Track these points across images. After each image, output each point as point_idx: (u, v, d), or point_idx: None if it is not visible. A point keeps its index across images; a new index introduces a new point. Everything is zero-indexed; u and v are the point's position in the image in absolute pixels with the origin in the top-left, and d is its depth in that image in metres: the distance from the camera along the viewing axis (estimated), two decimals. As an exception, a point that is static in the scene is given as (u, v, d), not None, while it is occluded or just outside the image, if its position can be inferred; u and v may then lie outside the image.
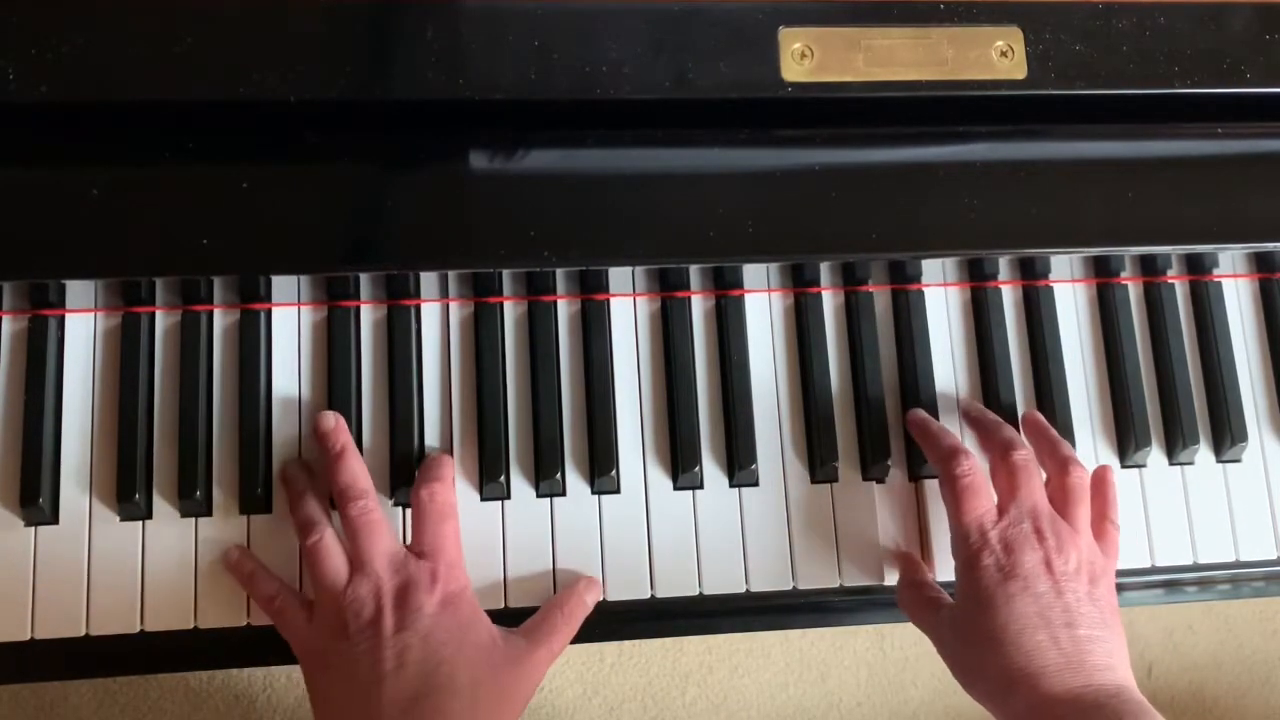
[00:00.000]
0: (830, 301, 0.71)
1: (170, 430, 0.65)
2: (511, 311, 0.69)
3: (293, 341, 0.67)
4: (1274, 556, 0.71)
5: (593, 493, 0.67)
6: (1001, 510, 0.62)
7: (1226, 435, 0.72)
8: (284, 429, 0.66)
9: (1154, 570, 0.71)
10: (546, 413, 0.67)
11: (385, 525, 0.62)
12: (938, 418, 0.70)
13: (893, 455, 0.69)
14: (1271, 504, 0.72)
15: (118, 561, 0.63)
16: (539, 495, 0.67)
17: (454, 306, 0.69)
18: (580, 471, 0.67)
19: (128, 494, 0.63)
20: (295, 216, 0.62)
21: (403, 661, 0.57)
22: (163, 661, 0.65)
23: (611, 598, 0.66)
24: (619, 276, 0.68)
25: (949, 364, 0.71)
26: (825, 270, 0.70)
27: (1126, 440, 0.71)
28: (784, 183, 0.65)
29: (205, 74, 0.60)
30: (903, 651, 1.15)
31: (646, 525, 0.67)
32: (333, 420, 0.64)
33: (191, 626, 0.63)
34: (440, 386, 0.67)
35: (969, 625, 0.60)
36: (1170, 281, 0.74)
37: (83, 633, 0.63)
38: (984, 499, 0.63)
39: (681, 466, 0.67)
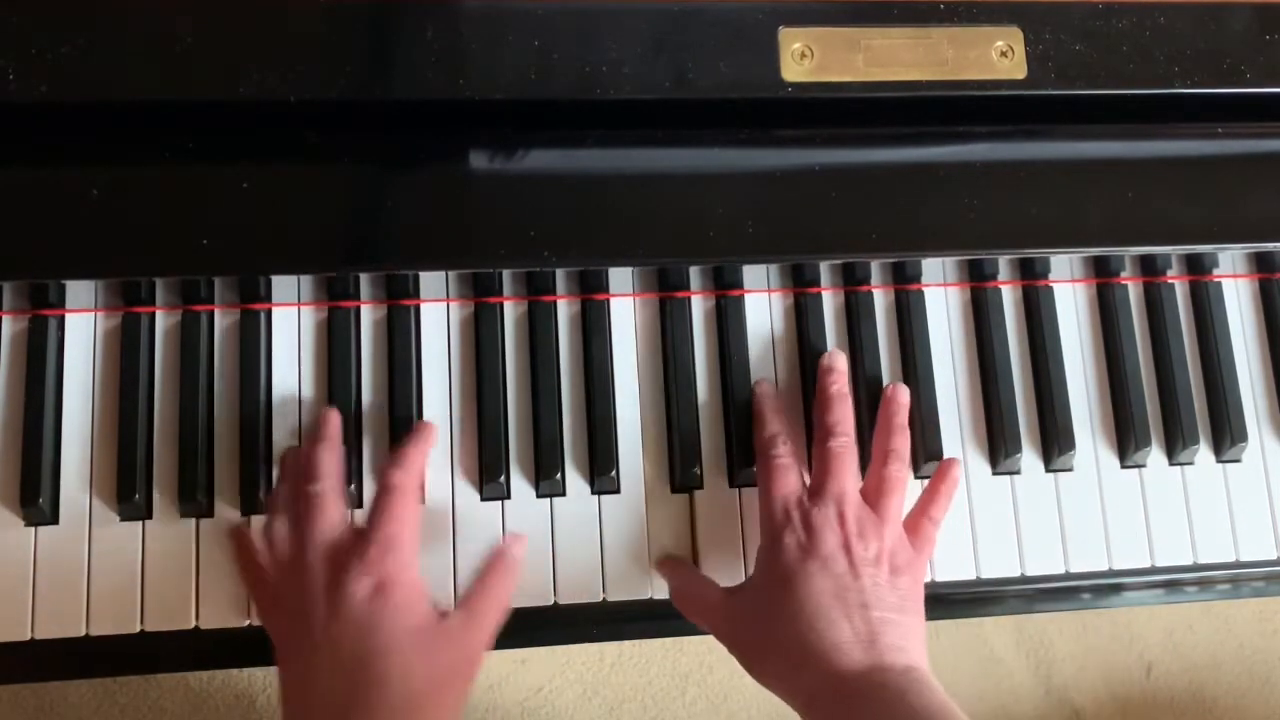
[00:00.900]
0: (830, 301, 0.71)
1: (170, 430, 0.65)
2: (511, 311, 0.69)
3: (293, 341, 0.67)
4: (1274, 556, 0.71)
5: (593, 493, 0.67)
6: (811, 492, 0.64)
7: (1226, 435, 0.72)
8: (284, 429, 0.66)
9: (1154, 570, 0.71)
10: (546, 413, 0.67)
11: (333, 509, 0.60)
12: (937, 419, 0.70)
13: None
14: (1271, 504, 0.72)
15: (118, 561, 0.63)
16: (539, 495, 0.67)
17: (454, 306, 0.69)
18: (580, 471, 0.67)
19: (128, 494, 0.63)
20: (295, 216, 0.62)
21: (334, 658, 0.56)
22: (163, 661, 0.65)
23: (612, 598, 0.66)
24: (619, 276, 0.68)
25: (949, 364, 0.71)
26: (825, 270, 0.70)
27: (1126, 440, 0.71)
28: (784, 183, 0.65)
29: (205, 74, 0.60)
30: (903, 651, 1.15)
31: (646, 525, 0.67)
32: (334, 417, 0.64)
33: (192, 626, 0.63)
34: (440, 386, 0.67)
35: (764, 602, 0.61)
36: (1170, 281, 0.74)
37: (83, 633, 0.63)
38: (793, 480, 0.64)
39: (681, 466, 0.67)
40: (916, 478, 0.69)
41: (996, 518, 0.69)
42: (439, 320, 0.68)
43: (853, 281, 0.71)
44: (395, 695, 0.56)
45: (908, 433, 0.67)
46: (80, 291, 0.64)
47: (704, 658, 1.14)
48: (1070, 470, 0.71)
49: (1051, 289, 0.73)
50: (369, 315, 0.68)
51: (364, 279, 0.66)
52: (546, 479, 0.66)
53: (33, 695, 1.07)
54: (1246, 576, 0.72)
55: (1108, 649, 1.21)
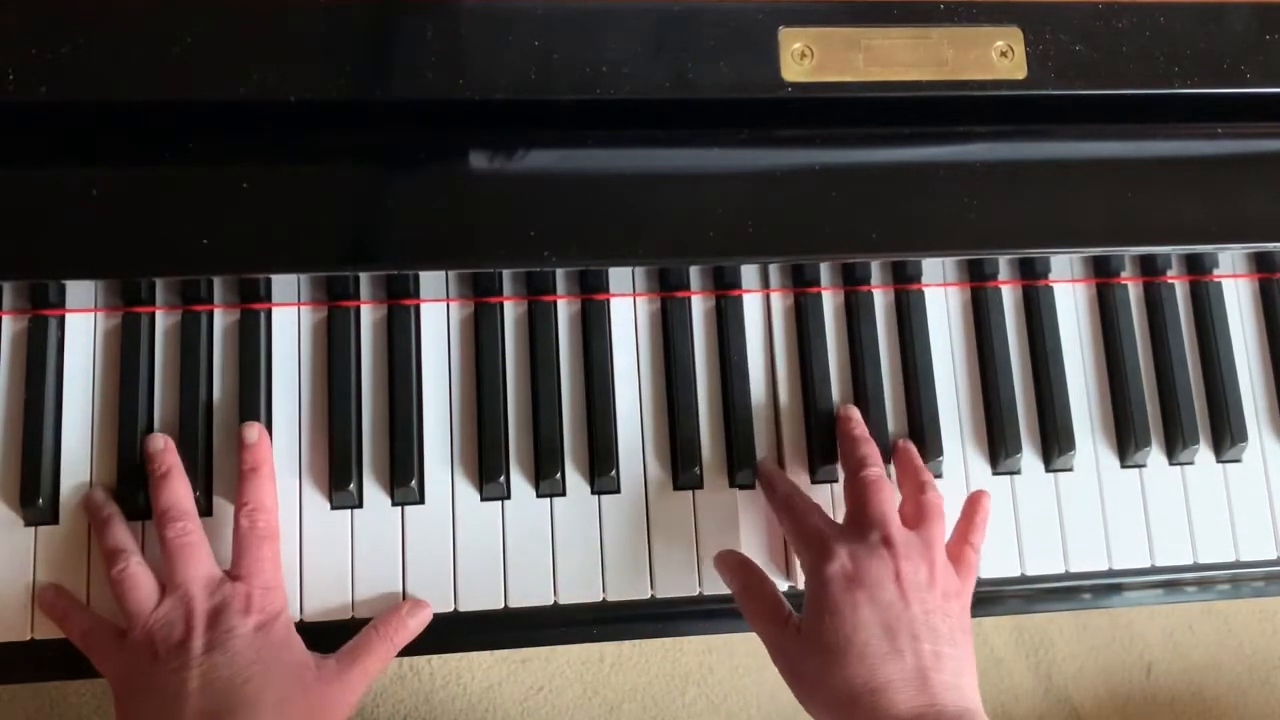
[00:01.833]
0: (830, 301, 0.71)
1: (169, 430, 0.65)
2: (511, 311, 0.69)
3: (293, 341, 0.67)
4: (1274, 556, 0.71)
5: (593, 493, 0.67)
6: (850, 522, 0.62)
7: (1226, 435, 0.72)
8: (283, 429, 0.66)
9: (1154, 570, 0.71)
10: (546, 413, 0.67)
11: (203, 548, 0.61)
12: (937, 419, 0.70)
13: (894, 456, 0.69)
14: (1271, 504, 0.72)
15: (118, 561, 0.63)
16: (539, 495, 0.67)
17: (454, 306, 0.69)
18: (580, 471, 0.67)
19: (127, 494, 0.63)
20: (295, 216, 0.62)
21: (208, 680, 0.56)
22: (163, 661, 0.65)
23: (611, 598, 0.66)
24: (619, 276, 0.68)
25: (949, 364, 0.71)
26: (825, 270, 0.70)
27: (1126, 440, 0.71)
28: (784, 183, 0.65)
29: (205, 74, 0.60)
30: (903, 651, 1.15)
31: (646, 525, 0.67)
32: (161, 442, 0.63)
33: (191, 626, 0.63)
34: (440, 386, 0.67)
35: (813, 635, 0.59)
36: (1170, 281, 0.74)
37: (83, 633, 0.63)
38: (821, 515, 0.63)
39: (681, 466, 0.67)
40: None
41: (997, 518, 0.69)
42: (439, 320, 0.68)
43: (853, 281, 0.71)
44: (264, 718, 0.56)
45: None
46: (80, 291, 0.64)
47: (704, 658, 1.14)
48: (1070, 470, 0.71)
49: (1051, 289, 0.73)
50: (369, 315, 0.68)
51: (364, 279, 0.66)
52: (546, 479, 0.66)
53: (33, 695, 1.07)
54: (1246, 576, 0.72)
55: (1108, 649, 1.21)
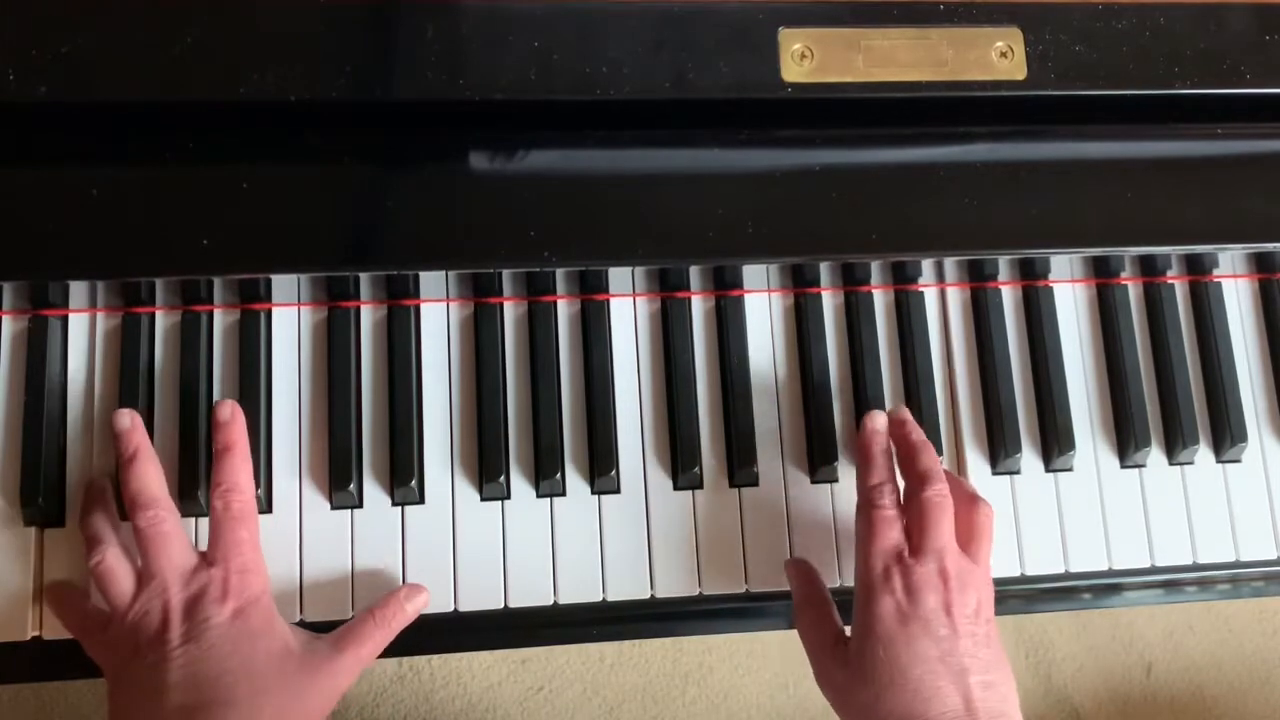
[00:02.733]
0: (830, 301, 0.71)
1: (169, 430, 0.65)
2: (511, 311, 0.69)
3: (293, 341, 0.67)
4: (1274, 556, 0.71)
5: (593, 493, 0.67)
6: (911, 550, 0.61)
7: (1226, 435, 0.72)
8: (284, 429, 0.66)
9: (1154, 570, 0.71)
10: (546, 413, 0.67)
11: (177, 536, 0.60)
12: (937, 419, 0.70)
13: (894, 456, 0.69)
14: (1271, 504, 0.72)
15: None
16: (539, 495, 0.67)
17: (454, 306, 0.69)
18: (580, 471, 0.67)
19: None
20: (295, 216, 0.62)
21: (186, 674, 0.56)
22: (163, 661, 0.65)
23: (611, 598, 0.66)
24: (619, 276, 0.68)
25: (949, 364, 0.71)
26: (825, 270, 0.70)
27: (1126, 440, 0.71)
28: (784, 183, 0.65)
29: (205, 74, 0.60)
30: (903, 651, 1.15)
31: (646, 525, 0.67)
32: (128, 420, 0.61)
33: (191, 626, 0.63)
34: (440, 387, 0.67)
35: (866, 665, 0.59)
36: (1170, 281, 0.74)
37: (83, 633, 0.63)
38: (896, 534, 0.62)
39: (681, 466, 0.67)
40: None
41: (996, 518, 0.69)
42: (439, 320, 0.68)
43: (853, 281, 0.71)
44: (242, 713, 0.56)
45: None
46: (80, 291, 0.64)
47: (704, 658, 1.14)
48: (1070, 470, 0.71)
49: (1051, 289, 0.73)
50: (369, 315, 0.68)
51: (364, 279, 0.66)
52: (546, 479, 0.66)
53: (33, 695, 1.07)
54: (1246, 576, 0.72)
55: (1108, 649, 1.21)
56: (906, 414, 0.67)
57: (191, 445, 0.64)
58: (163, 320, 0.66)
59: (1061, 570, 0.69)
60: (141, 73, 0.60)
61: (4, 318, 0.65)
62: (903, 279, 0.71)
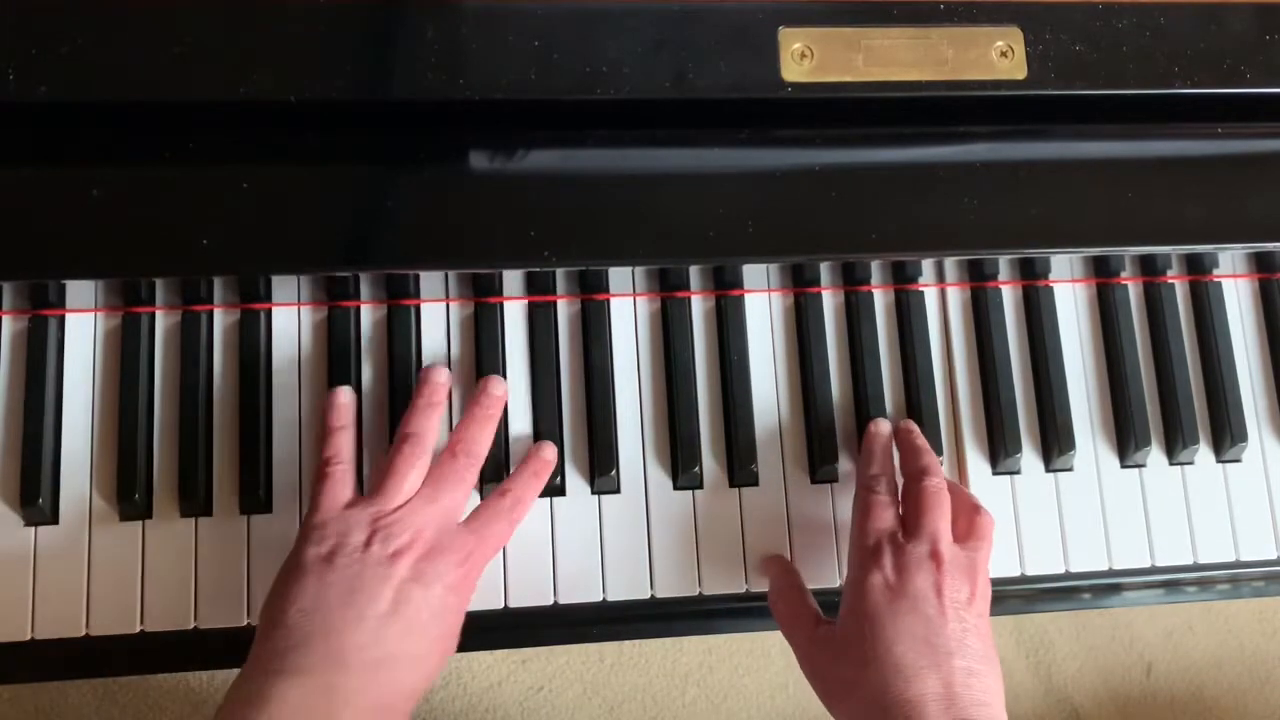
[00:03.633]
0: (830, 301, 0.71)
1: (170, 430, 0.65)
2: (511, 311, 0.69)
3: (293, 341, 0.67)
4: (1274, 556, 0.71)
5: (593, 493, 0.67)
6: (905, 532, 0.62)
7: (1226, 435, 0.72)
8: (284, 429, 0.66)
9: (1154, 570, 0.71)
10: (547, 413, 0.67)
11: (472, 485, 0.62)
12: (937, 419, 0.70)
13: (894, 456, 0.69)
14: (1271, 504, 0.72)
15: (118, 561, 0.63)
16: (539, 495, 0.67)
17: (454, 306, 0.69)
18: (580, 471, 0.67)
19: (128, 494, 0.63)
20: (295, 216, 0.62)
21: (397, 610, 0.56)
22: (163, 661, 0.65)
23: (612, 598, 0.66)
24: (619, 276, 0.68)
25: (949, 364, 0.71)
26: (825, 270, 0.70)
27: (1126, 440, 0.71)
28: (784, 183, 0.65)
29: (205, 74, 0.60)
30: (903, 651, 1.15)
31: (646, 525, 0.67)
32: (442, 381, 0.65)
33: (191, 626, 0.63)
34: (440, 386, 0.67)
35: (849, 641, 0.59)
36: (1170, 281, 0.74)
37: (83, 633, 0.63)
38: (890, 517, 0.62)
39: (681, 466, 0.67)
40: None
41: (997, 518, 0.69)
42: (439, 320, 0.68)
43: (853, 281, 0.71)
44: (416, 679, 0.56)
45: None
46: (80, 291, 0.64)
47: (704, 658, 1.14)
48: (1070, 470, 0.71)
49: (1051, 289, 0.73)
50: (369, 315, 0.68)
51: (364, 279, 0.66)
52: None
53: (33, 695, 1.07)
54: (1246, 576, 0.72)
55: (1108, 649, 1.21)
56: (915, 426, 0.68)
57: (192, 445, 0.64)
58: (163, 320, 0.66)
59: (1061, 570, 0.70)
60: (141, 73, 0.60)
61: (4, 318, 0.65)
62: (903, 279, 0.71)
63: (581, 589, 0.66)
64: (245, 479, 0.65)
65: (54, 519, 0.64)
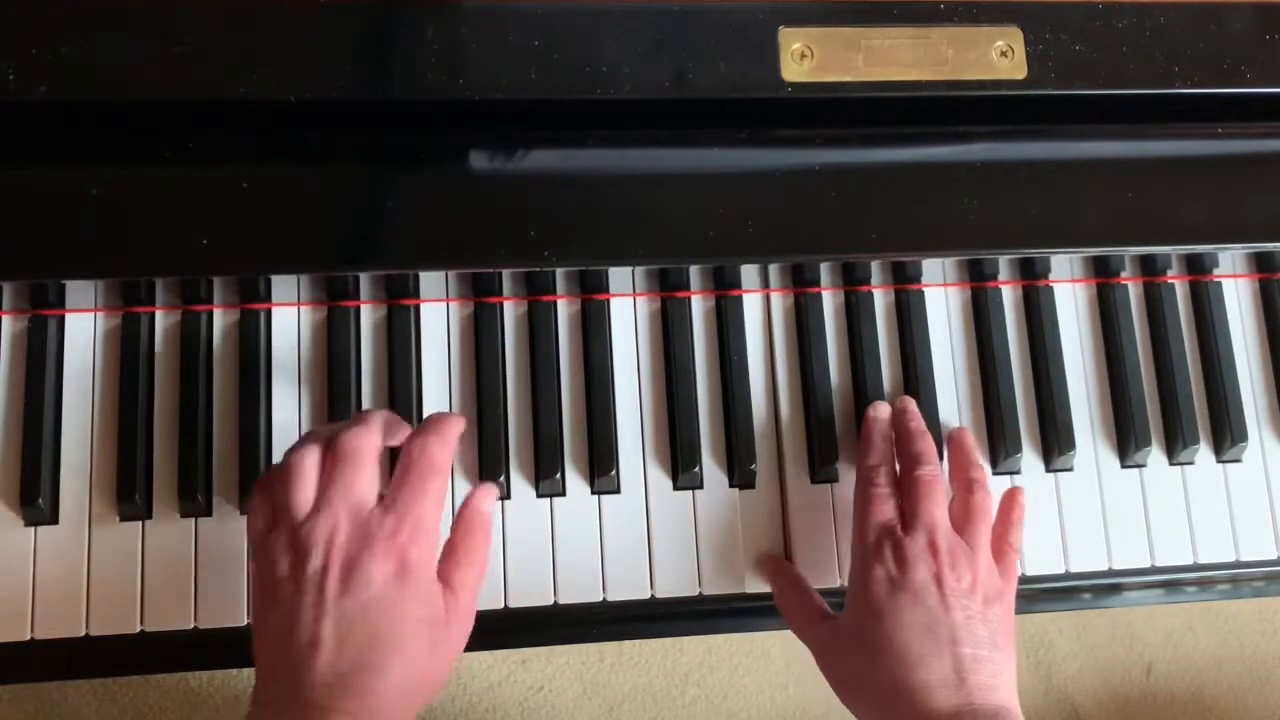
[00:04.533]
0: (830, 301, 0.71)
1: (170, 430, 0.65)
2: (511, 311, 0.69)
3: (293, 341, 0.67)
4: (1274, 556, 0.71)
5: (593, 493, 0.67)
6: (902, 524, 0.62)
7: (1226, 435, 0.72)
8: (284, 429, 0.66)
9: (1154, 570, 0.71)
10: (546, 413, 0.67)
11: (371, 466, 0.56)
12: (937, 419, 0.70)
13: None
14: (1271, 504, 0.72)
15: (118, 561, 0.63)
16: (539, 495, 0.67)
17: (454, 306, 0.69)
18: (580, 471, 0.67)
19: (128, 494, 0.63)
20: (295, 216, 0.62)
21: (340, 632, 0.53)
22: (163, 661, 0.65)
23: (612, 598, 0.66)
24: (619, 276, 0.68)
25: (949, 364, 0.71)
26: (825, 270, 0.70)
27: (1126, 440, 0.71)
28: (784, 183, 0.65)
29: (205, 74, 0.60)
30: (903, 651, 1.15)
31: (646, 525, 0.67)
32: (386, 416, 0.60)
33: (191, 626, 0.63)
34: (440, 387, 0.67)
35: (856, 634, 0.60)
36: (1170, 281, 0.74)
37: (83, 633, 0.63)
38: (890, 510, 0.63)
39: (681, 466, 0.67)
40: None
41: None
42: (439, 320, 0.68)
43: (853, 281, 0.71)
44: (394, 686, 0.54)
45: (981, 462, 0.68)
46: (80, 291, 0.64)
47: (704, 658, 1.14)
48: (1070, 470, 0.71)
49: (1051, 289, 0.73)
50: (369, 315, 0.68)
51: (364, 279, 0.66)
52: (546, 479, 0.66)
53: (33, 695, 1.07)
54: (1246, 576, 0.72)
55: (1108, 649, 1.21)
56: (911, 404, 0.69)
57: (191, 446, 0.64)
58: (163, 320, 0.66)
59: (1061, 570, 0.69)
60: (141, 73, 0.60)
61: (4, 318, 0.65)
62: (903, 279, 0.71)
63: (581, 589, 0.66)
64: (245, 479, 0.65)
65: (54, 519, 0.64)
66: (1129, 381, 0.71)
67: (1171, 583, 0.72)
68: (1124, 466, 0.72)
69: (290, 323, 0.67)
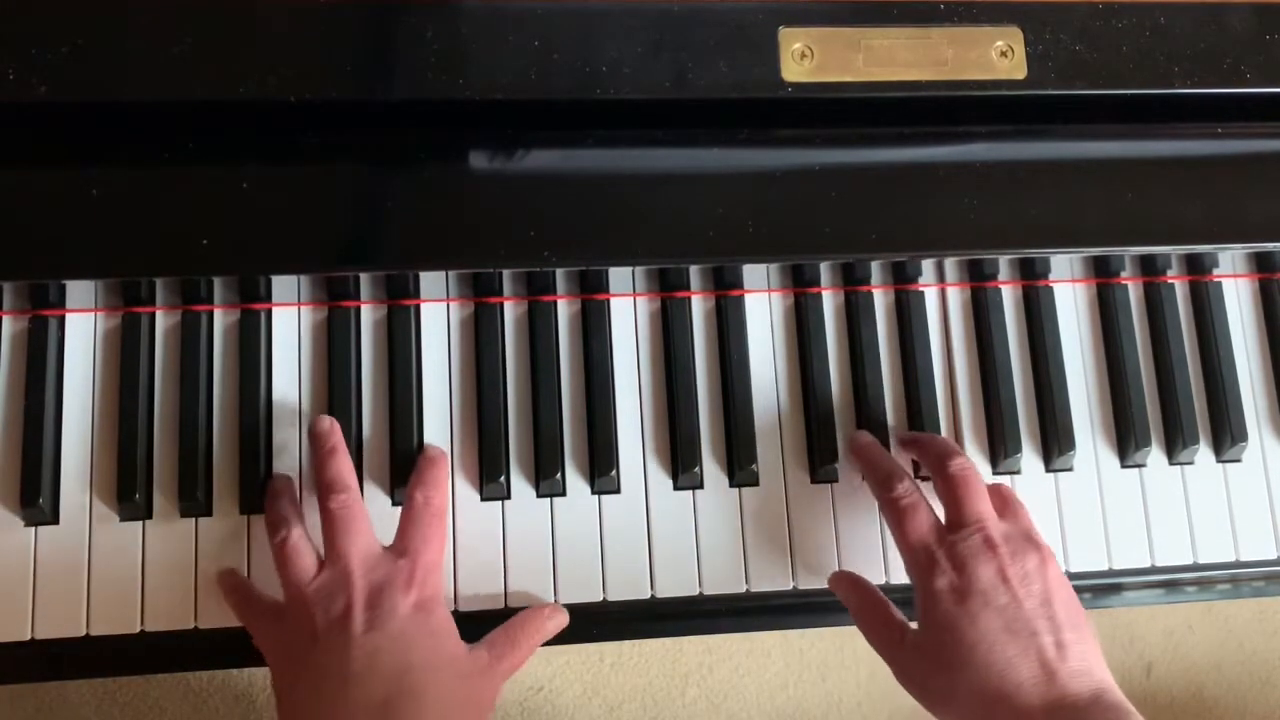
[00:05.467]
0: (830, 301, 0.71)
1: (170, 430, 0.65)
2: (511, 311, 0.69)
3: (293, 341, 0.67)
4: (1274, 556, 0.71)
5: (593, 493, 0.67)
6: (947, 525, 0.61)
7: (1226, 435, 0.72)
8: (284, 429, 0.66)
9: (1154, 570, 0.71)
10: (546, 413, 0.67)
11: (364, 522, 0.61)
12: (937, 419, 0.70)
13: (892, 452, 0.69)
14: (1271, 504, 0.72)
15: (118, 561, 0.63)
16: (539, 495, 0.67)
17: (454, 306, 0.69)
18: (580, 471, 0.67)
19: (128, 494, 0.63)
20: (295, 216, 0.62)
21: (372, 664, 0.56)
22: (163, 661, 0.65)
23: (612, 598, 0.66)
24: (619, 276, 0.68)
25: (949, 364, 0.71)
26: (825, 270, 0.70)
27: (1126, 440, 0.71)
28: (784, 183, 0.65)
29: (205, 74, 0.60)
30: (903, 651, 1.15)
31: (646, 525, 0.67)
32: (328, 423, 0.64)
33: (191, 626, 0.63)
34: (440, 386, 0.67)
35: (935, 651, 0.58)
36: (1170, 281, 0.74)
37: (83, 633, 0.63)
38: (925, 517, 0.61)
39: (681, 466, 0.67)
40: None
41: (996, 518, 0.69)
42: (439, 320, 0.68)
43: (853, 281, 0.71)
44: (430, 711, 0.55)
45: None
46: (80, 291, 0.64)
47: (704, 658, 1.14)
48: (1070, 470, 0.71)
49: (1051, 289, 0.73)
50: (369, 315, 0.68)
51: (364, 279, 0.66)
52: (546, 479, 0.66)
53: (33, 695, 1.07)
54: (1246, 576, 0.72)
55: (1108, 649, 1.21)
56: (908, 435, 0.69)
57: (191, 446, 0.64)
58: (163, 320, 0.66)
59: (1061, 570, 0.69)
60: (141, 73, 0.60)
61: (4, 318, 0.65)
62: (903, 279, 0.71)
63: (581, 589, 0.66)
64: (245, 479, 0.65)
65: (54, 519, 0.64)
66: (1129, 381, 0.72)
67: (1171, 583, 0.72)
68: (1124, 466, 0.72)
69: (290, 323, 0.67)
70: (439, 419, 0.67)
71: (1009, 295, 0.73)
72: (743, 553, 0.68)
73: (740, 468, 0.68)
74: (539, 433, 0.67)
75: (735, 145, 0.66)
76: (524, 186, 0.63)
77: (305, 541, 0.61)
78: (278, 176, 0.62)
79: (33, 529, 0.63)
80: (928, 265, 0.70)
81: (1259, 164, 0.69)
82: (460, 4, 0.62)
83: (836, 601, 0.66)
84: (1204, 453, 0.72)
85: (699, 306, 0.70)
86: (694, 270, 0.68)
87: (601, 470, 0.67)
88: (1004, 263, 0.71)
